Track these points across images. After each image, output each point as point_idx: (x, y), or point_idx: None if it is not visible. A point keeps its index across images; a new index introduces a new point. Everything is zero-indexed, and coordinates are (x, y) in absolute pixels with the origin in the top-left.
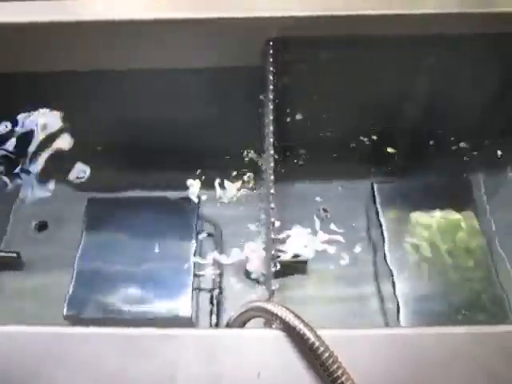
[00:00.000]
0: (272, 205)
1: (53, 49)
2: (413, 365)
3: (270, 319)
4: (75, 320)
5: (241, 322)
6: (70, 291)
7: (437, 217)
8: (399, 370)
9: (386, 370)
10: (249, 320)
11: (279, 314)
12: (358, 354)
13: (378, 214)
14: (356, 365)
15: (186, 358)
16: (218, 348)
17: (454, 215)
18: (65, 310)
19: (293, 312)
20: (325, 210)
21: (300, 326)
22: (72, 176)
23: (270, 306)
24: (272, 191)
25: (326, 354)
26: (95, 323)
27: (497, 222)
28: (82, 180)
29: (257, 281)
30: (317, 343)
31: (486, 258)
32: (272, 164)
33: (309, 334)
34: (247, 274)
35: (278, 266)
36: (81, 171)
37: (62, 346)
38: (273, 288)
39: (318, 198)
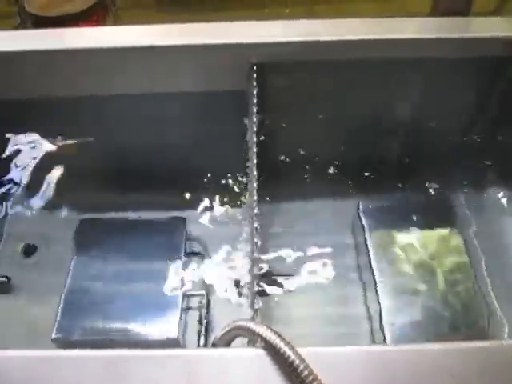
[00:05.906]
0: (255, 225)
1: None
2: (392, 383)
3: (253, 338)
4: (63, 342)
5: (226, 341)
6: (58, 314)
7: (422, 235)
8: None
9: None
10: (233, 339)
11: (260, 332)
12: (338, 372)
13: (364, 233)
14: (336, 383)
15: (168, 378)
16: (200, 368)
17: (439, 233)
18: (53, 333)
19: (273, 330)
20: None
21: (280, 345)
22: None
23: (251, 325)
24: (256, 211)
25: (306, 372)
26: (82, 345)
27: (480, 238)
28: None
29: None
30: (296, 361)
31: (471, 275)
32: (255, 184)
33: (289, 351)
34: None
35: (264, 285)
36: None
37: (46, 369)
38: (256, 307)
39: (304, 218)
